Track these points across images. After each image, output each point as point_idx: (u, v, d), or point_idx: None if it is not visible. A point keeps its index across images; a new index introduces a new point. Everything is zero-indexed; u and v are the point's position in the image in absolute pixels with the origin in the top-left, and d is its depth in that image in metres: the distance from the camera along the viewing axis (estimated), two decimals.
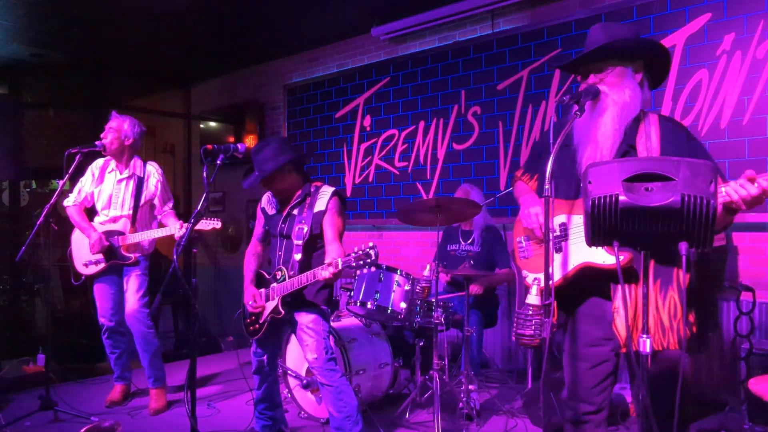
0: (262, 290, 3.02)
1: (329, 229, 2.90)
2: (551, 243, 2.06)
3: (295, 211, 3.00)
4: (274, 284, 2.95)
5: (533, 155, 2.43)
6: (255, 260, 3.17)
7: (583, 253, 1.97)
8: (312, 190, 3.00)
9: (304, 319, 2.93)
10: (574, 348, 2.13)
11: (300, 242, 2.88)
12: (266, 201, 3.18)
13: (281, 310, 2.89)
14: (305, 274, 2.77)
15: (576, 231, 2.02)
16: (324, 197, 2.95)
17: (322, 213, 2.92)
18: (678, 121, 2.08)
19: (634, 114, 2.00)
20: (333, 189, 2.98)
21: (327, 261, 2.66)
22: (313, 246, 2.96)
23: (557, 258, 2.06)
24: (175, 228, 3.76)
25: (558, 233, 2.07)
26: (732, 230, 3.72)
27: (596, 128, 2.01)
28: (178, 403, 3.97)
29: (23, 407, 3.79)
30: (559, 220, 2.08)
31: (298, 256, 2.87)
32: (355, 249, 2.61)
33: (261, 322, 3.00)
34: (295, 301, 2.94)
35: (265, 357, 3.13)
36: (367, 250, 2.59)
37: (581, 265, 1.99)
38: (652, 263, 1.93)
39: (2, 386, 4.29)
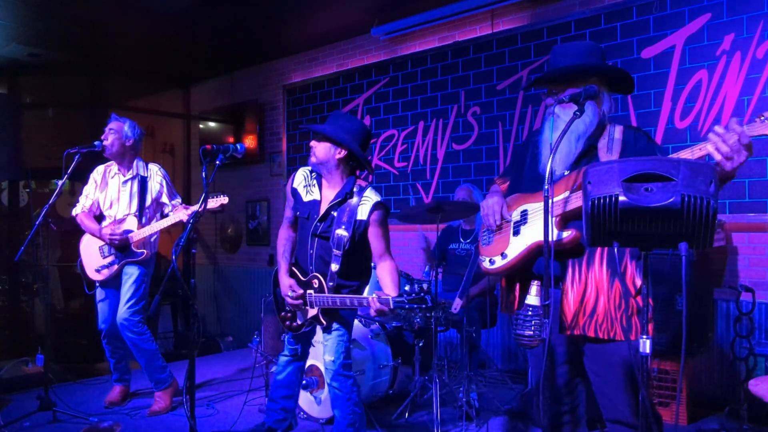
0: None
1: (377, 242, 2.73)
2: (510, 228, 2.18)
3: (335, 213, 2.75)
4: (311, 292, 2.76)
5: (510, 162, 2.54)
6: (289, 247, 2.95)
7: (536, 233, 2.05)
8: (356, 189, 2.77)
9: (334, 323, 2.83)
10: (537, 348, 2.17)
11: (339, 252, 2.68)
12: (301, 181, 2.90)
13: (323, 321, 2.73)
14: (348, 297, 2.62)
15: (534, 215, 2.10)
16: (366, 205, 2.72)
17: (365, 224, 2.71)
18: (640, 129, 2.17)
19: (588, 126, 2.09)
20: (377, 199, 2.73)
21: (377, 296, 2.47)
22: (351, 252, 2.74)
23: (515, 240, 2.14)
24: (180, 214, 3.72)
25: (518, 219, 2.17)
26: (732, 230, 3.72)
27: (560, 143, 2.11)
28: (178, 404, 3.96)
29: (22, 407, 3.79)
30: (520, 208, 2.18)
31: (335, 267, 2.68)
32: (407, 289, 2.47)
33: (299, 323, 2.87)
34: (335, 314, 2.80)
35: (299, 346, 2.99)
36: (423, 294, 2.41)
37: (534, 244, 2.06)
38: (606, 251, 2.01)
39: (1, 386, 4.29)
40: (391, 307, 2.43)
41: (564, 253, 2.03)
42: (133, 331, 3.77)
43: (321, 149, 2.74)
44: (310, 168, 2.90)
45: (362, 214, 2.71)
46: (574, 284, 2.04)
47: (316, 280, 2.76)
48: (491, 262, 2.19)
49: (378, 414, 3.62)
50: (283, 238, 2.98)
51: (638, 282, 2.00)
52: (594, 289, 2.01)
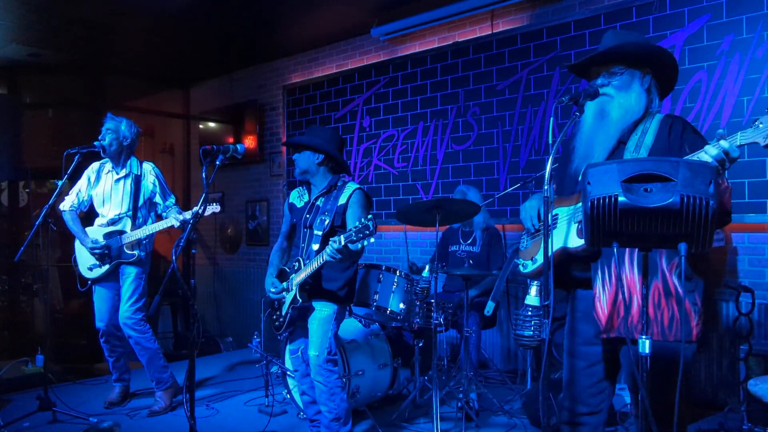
0: (284, 284, 3.03)
1: (352, 222, 2.90)
2: (541, 233, 2.12)
3: (320, 202, 3.02)
4: (293, 275, 2.96)
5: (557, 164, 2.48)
6: (279, 255, 3.21)
7: (560, 238, 2.02)
8: (339, 183, 3.04)
9: (319, 313, 2.96)
10: (570, 346, 2.14)
11: (320, 233, 2.90)
12: (295, 196, 3.19)
13: (299, 298, 2.90)
14: (315, 258, 2.79)
15: (561, 220, 2.07)
16: (347, 191, 2.98)
17: (344, 206, 2.95)
18: (678, 117, 2.10)
19: (636, 117, 2.04)
20: (357, 186, 3.01)
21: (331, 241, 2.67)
22: (331, 234, 2.90)
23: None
24: (173, 219, 3.74)
25: (551, 223, 2.11)
26: (732, 230, 3.72)
27: (601, 131, 2.05)
28: (178, 404, 3.96)
29: (22, 408, 3.79)
30: (552, 212, 2.13)
31: (315, 246, 2.89)
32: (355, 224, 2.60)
33: (283, 315, 3.02)
34: (314, 291, 2.95)
35: (301, 353, 3.14)
36: (365, 222, 2.54)
37: (558, 251, 2.01)
38: (635, 251, 1.93)
39: (1, 386, 4.28)
40: (343, 243, 2.58)
41: (588, 257, 1.98)
42: (136, 330, 3.78)
43: (302, 159, 3.03)
44: (301, 187, 3.20)
45: (342, 199, 2.97)
46: (605, 287, 1.96)
47: (296, 263, 2.97)
48: (524, 266, 2.20)
49: (378, 414, 3.63)
50: (275, 249, 3.25)
51: (677, 282, 1.90)
52: (627, 289, 1.92)
